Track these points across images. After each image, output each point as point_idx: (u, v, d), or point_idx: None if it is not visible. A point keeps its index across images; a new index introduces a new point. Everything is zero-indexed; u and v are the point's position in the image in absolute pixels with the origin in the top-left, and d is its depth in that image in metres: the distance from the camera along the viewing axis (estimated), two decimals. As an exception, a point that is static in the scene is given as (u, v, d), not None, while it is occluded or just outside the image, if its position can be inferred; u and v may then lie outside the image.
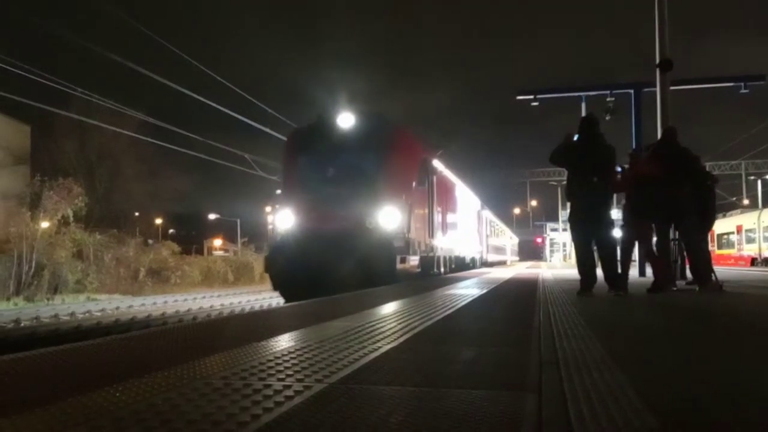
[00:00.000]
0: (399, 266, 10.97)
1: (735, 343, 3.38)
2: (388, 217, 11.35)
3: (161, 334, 3.56)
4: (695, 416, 1.73)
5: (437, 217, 14.77)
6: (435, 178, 14.53)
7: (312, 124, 13.20)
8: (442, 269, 15.60)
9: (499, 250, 41.08)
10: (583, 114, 7.71)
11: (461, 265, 20.14)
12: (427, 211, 13.76)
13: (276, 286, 11.93)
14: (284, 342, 3.11)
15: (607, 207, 7.18)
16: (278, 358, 2.64)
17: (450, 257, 17.28)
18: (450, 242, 16.86)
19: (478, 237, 26.00)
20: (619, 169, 9.07)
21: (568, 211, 7.37)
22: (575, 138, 7.12)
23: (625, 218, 9.91)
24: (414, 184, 12.53)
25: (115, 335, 3.41)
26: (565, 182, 7.50)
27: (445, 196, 16.56)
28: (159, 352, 2.97)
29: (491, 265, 30.27)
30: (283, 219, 12.09)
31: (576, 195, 6.94)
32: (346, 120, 12.45)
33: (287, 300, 10.91)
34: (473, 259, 24.10)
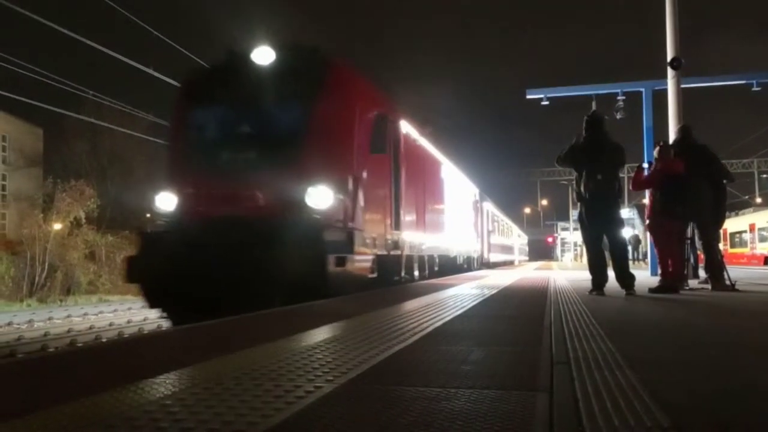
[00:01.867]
0: (336, 270, 7.18)
1: (748, 342, 3.35)
2: (318, 198, 7.47)
3: (173, 334, 3.58)
4: (707, 415, 1.72)
5: (408, 202, 10.70)
6: (404, 147, 10.48)
7: (216, 64, 9.16)
8: (417, 273, 11.49)
9: (505, 248, 36.67)
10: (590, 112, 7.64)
11: (450, 267, 15.78)
12: (389, 191, 9.69)
13: (150, 301, 7.70)
14: (294, 343, 3.12)
15: (617, 206, 7.15)
16: (288, 358, 2.65)
17: (432, 257, 13.42)
18: (431, 237, 12.93)
19: (476, 233, 21.75)
20: (645, 165, 9.02)
21: (578, 210, 7.34)
22: (582, 138, 7.09)
23: (640, 217, 9.84)
24: (364, 150, 8.52)
25: (128, 335, 3.43)
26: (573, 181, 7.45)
27: (423, 175, 12.61)
28: (171, 352, 2.98)
29: (493, 266, 26.35)
30: (162, 203, 8.15)
31: (585, 195, 6.91)
32: (261, 57, 8.46)
33: (174, 320, 7.46)
34: (469, 259, 20.09)
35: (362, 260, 8.18)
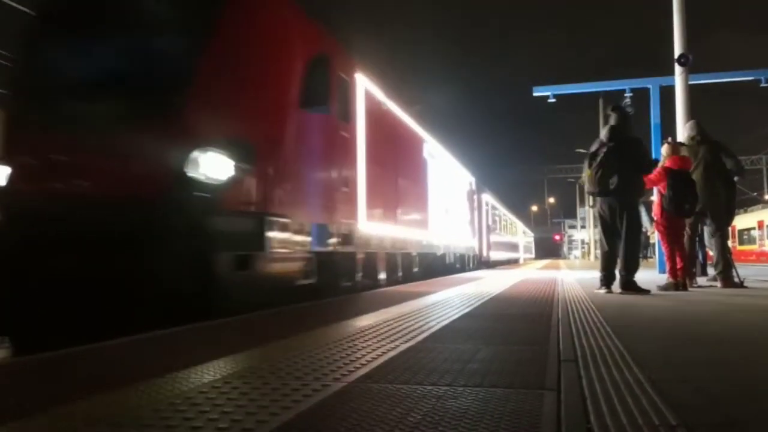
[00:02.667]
0: (236, 275, 5.16)
1: (757, 340, 3.34)
2: (207, 167, 5.16)
3: (181, 334, 3.60)
4: (716, 413, 1.71)
5: (372, 184, 8.32)
6: (369, 112, 8.26)
7: None
8: (383, 275, 9.24)
9: (508, 246, 34.28)
10: (610, 107, 7.46)
11: (437, 267, 13.56)
12: (338, 166, 7.28)
13: None
14: (301, 341, 3.13)
15: (638, 204, 7.17)
16: (296, 357, 2.66)
17: (408, 255, 11.08)
18: (407, 230, 10.56)
19: (472, 228, 19.16)
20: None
21: (599, 205, 7.25)
22: (605, 137, 7.04)
23: (648, 214, 9.81)
24: (289, 103, 6.09)
25: (136, 336, 3.45)
26: (580, 179, 7.45)
27: (397, 152, 10.25)
28: (179, 352, 3.00)
29: (494, 265, 24.03)
30: None
31: (608, 191, 6.84)
32: None
33: (13, 341, 5.08)
34: (463, 258, 17.83)
35: (285, 260, 5.83)
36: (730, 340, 3.30)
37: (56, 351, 2.90)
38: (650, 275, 9.82)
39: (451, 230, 15.28)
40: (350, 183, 7.64)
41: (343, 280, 7.51)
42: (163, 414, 1.74)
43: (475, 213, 20.26)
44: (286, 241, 5.88)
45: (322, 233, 6.72)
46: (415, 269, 11.50)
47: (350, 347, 2.90)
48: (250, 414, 1.72)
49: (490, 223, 24.51)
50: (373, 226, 8.48)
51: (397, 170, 10.21)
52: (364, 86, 8.29)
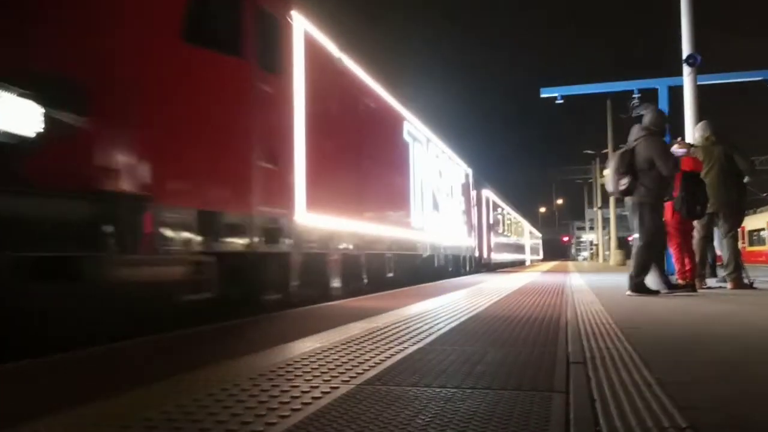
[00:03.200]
0: (39, 290, 3.36)
1: (767, 342, 3.32)
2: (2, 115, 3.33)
3: (187, 337, 3.61)
4: (725, 415, 1.71)
5: (319, 161, 6.45)
6: (313, 61, 6.32)
7: None
8: (337, 283, 7.15)
9: (513, 247, 31.80)
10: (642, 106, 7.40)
11: (420, 271, 11.45)
12: (258, 131, 5.27)
13: None
14: (311, 343, 3.13)
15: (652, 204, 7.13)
16: (305, 359, 2.66)
17: (379, 257, 9.00)
18: (375, 225, 8.51)
19: (468, 226, 17.09)
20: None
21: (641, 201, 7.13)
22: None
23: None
24: (164, 25, 4.33)
25: (145, 337, 3.46)
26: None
27: (358, 121, 8.14)
28: (186, 354, 3.01)
29: (496, 268, 22.51)
30: None
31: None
32: None
33: None
34: (456, 260, 15.70)
35: (152, 264, 4.03)
36: (740, 342, 3.28)
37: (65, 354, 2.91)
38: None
39: (441, 228, 13.16)
40: (279, 158, 5.55)
41: (270, 291, 5.45)
42: (170, 416, 1.74)
43: (474, 210, 18.60)
44: (158, 236, 3.99)
45: (226, 226, 4.73)
46: (390, 274, 9.43)
47: (359, 349, 2.90)
48: (258, 416, 1.73)
49: (491, 221, 22.45)
50: (319, 219, 6.37)
51: (361, 149, 8.13)
52: (306, 31, 6.25)
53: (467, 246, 17.07)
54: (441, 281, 11.02)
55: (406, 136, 10.49)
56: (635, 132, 6.92)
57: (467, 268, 17.08)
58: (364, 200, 8.14)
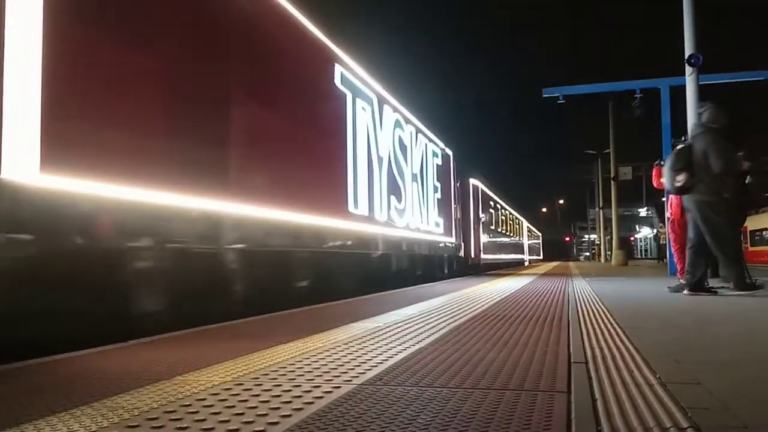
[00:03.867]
0: None
1: (769, 342, 3.31)
2: None
3: (190, 336, 3.62)
4: (727, 416, 1.71)
5: (170, 113, 4.09)
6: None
7: None
8: (157, 305, 4.27)
9: (509, 246, 29.16)
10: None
11: (372, 275, 8.90)
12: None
13: None
14: (312, 343, 3.14)
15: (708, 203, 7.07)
16: (307, 359, 2.67)
17: (264, 256, 5.65)
18: (267, 209, 5.41)
19: (448, 220, 14.04)
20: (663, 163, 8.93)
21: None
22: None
23: (659, 215, 9.71)
24: None
25: (146, 338, 3.47)
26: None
27: (251, 69, 5.32)
28: (188, 354, 3.01)
29: (486, 269, 19.77)
30: None
31: (726, 193, 6.75)
32: None
33: None
34: (430, 261, 13.02)
35: None
36: (742, 342, 3.28)
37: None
38: (661, 276, 9.76)
39: (403, 218, 10.11)
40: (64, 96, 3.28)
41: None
42: (174, 415, 1.75)
43: (458, 201, 15.72)
44: None
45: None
46: (303, 283, 6.65)
47: (361, 348, 2.90)
48: (261, 415, 1.74)
49: (482, 217, 19.33)
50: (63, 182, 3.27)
51: (261, 100, 5.52)
52: None
53: (447, 243, 14.06)
54: (386, 292, 7.77)
55: (340, 85, 7.53)
56: (693, 129, 6.88)
57: (446, 271, 14.44)
58: (231, 170, 4.93)
